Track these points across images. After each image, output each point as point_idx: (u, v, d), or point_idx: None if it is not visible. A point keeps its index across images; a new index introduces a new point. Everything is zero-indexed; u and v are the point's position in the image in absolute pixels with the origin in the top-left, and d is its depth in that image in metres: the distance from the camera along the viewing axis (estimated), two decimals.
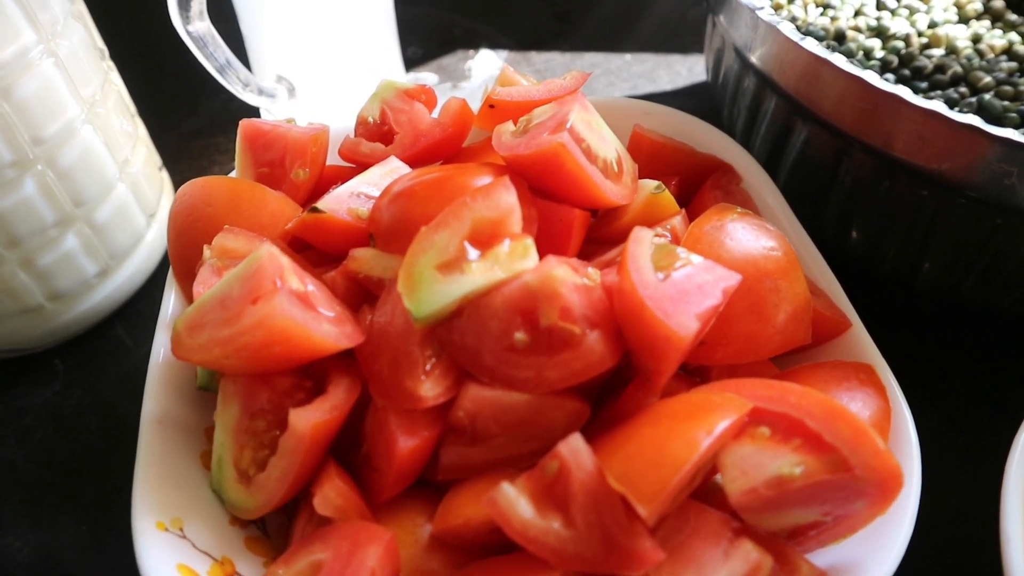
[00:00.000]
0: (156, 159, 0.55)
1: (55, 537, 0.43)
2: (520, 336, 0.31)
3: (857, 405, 0.34)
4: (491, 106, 0.43)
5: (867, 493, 0.28)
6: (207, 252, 0.37)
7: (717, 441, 0.28)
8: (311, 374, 0.34)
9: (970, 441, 0.44)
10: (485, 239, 0.32)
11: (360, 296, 0.36)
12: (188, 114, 0.69)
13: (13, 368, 0.50)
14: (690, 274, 0.31)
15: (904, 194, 0.43)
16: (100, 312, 0.51)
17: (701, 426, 0.28)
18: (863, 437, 0.28)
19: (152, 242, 0.53)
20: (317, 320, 0.31)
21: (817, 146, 0.46)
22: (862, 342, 0.37)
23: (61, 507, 0.44)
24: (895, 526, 0.30)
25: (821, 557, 0.31)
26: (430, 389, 0.31)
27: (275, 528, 0.35)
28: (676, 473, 0.27)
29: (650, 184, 0.39)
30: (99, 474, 0.45)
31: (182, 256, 0.40)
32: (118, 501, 0.43)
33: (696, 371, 0.37)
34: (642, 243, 0.32)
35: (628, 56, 0.73)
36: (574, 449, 0.28)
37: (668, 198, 0.39)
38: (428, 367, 0.31)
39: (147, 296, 0.53)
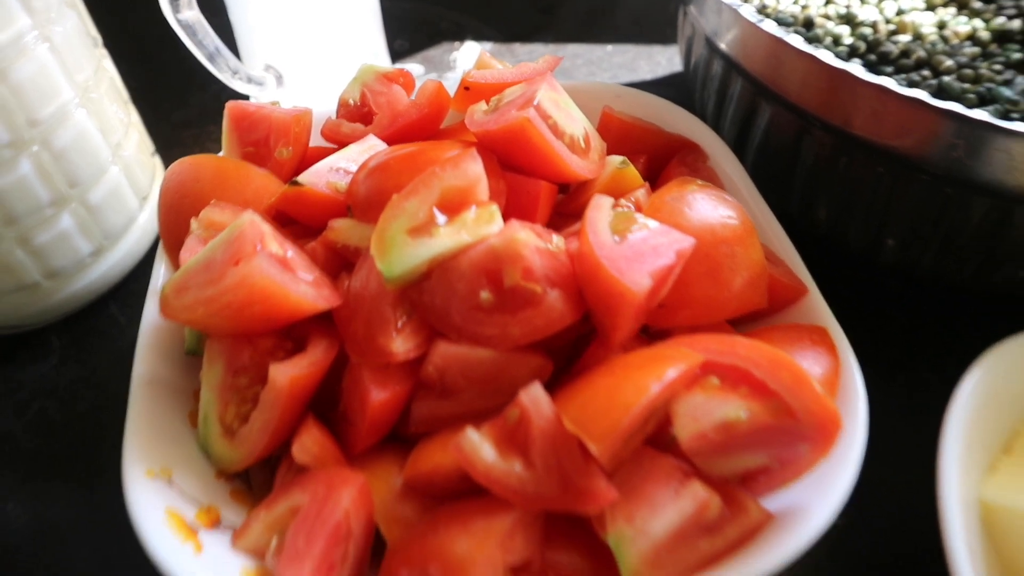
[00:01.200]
0: (149, 145, 0.57)
1: (51, 504, 0.45)
2: (486, 295, 0.33)
3: (808, 363, 0.36)
4: (466, 88, 0.45)
5: (809, 437, 0.30)
6: (194, 224, 0.39)
7: (667, 388, 0.30)
8: (292, 336, 0.36)
9: (923, 408, 0.46)
10: (453, 206, 0.34)
11: (339, 265, 0.38)
12: (179, 105, 0.71)
13: (10, 345, 0.52)
14: (645, 237, 0.33)
15: (862, 171, 0.45)
16: (95, 291, 0.53)
17: (652, 374, 0.30)
18: (804, 384, 0.30)
19: (144, 224, 0.55)
20: (295, 281, 0.33)
21: (780, 126, 0.48)
22: (818, 308, 0.39)
23: (57, 475, 0.46)
24: (839, 472, 0.32)
25: (770, 503, 0.33)
26: (401, 345, 0.33)
27: (259, 483, 0.37)
28: (627, 415, 0.29)
29: (616, 159, 0.41)
30: (93, 444, 0.47)
31: (171, 230, 0.42)
32: (112, 469, 0.45)
33: (658, 335, 0.39)
34: (601, 209, 0.34)
35: (609, 47, 0.75)
36: (534, 397, 0.30)
37: (633, 172, 0.41)
38: (400, 325, 0.33)
39: (140, 277, 0.55)
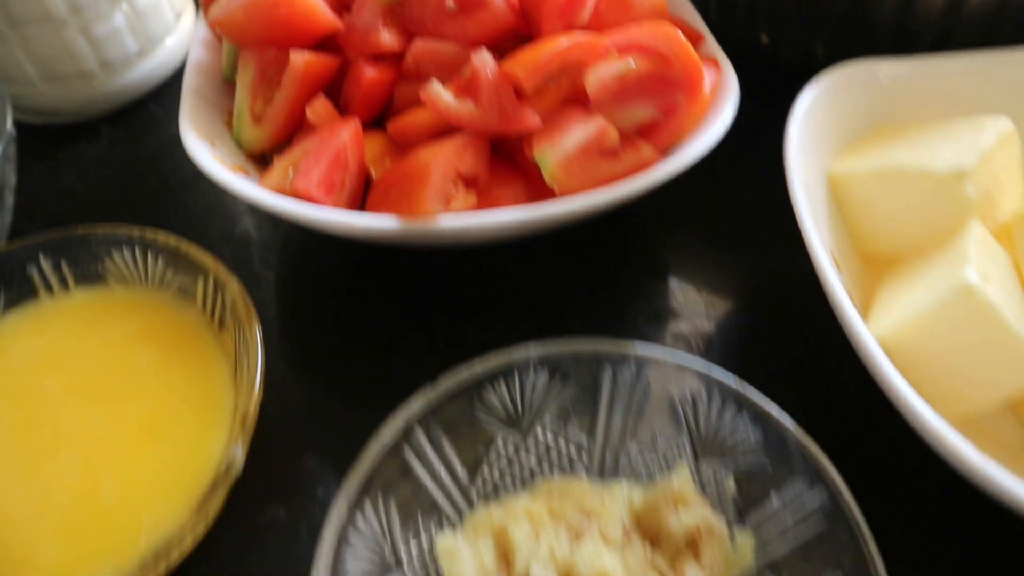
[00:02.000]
0: None
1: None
2: (450, 4, 0.44)
3: None
4: None
5: (681, 84, 0.42)
6: None
7: (576, 45, 0.41)
8: None
9: None
10: None
11: (342, 13, 0.50)
12: None
13: (71, 131, 0.63)
14: None
15: None
16: (138, 88, 0.64)
17: (566, 37, 0.41)
18: (675, 40, 0.41)
19: (175, 45, 0.66)
20: None
21: None
22: (714, 50, 0.51)
23: (112, 212, 0.57)
24: (712, 129, 0.43)
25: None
26: (387, 38, 0.44)
27: None
28: (545, 54, 0.40)
29: None
30: (144, 198, 0.58)
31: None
32: (159, 221, 0.56)
33: None
34: None
35: None
36: (482, 57, 0.42)
37: None
38: (385, 24, 0.45)
39: (172, 84, 0.67)
